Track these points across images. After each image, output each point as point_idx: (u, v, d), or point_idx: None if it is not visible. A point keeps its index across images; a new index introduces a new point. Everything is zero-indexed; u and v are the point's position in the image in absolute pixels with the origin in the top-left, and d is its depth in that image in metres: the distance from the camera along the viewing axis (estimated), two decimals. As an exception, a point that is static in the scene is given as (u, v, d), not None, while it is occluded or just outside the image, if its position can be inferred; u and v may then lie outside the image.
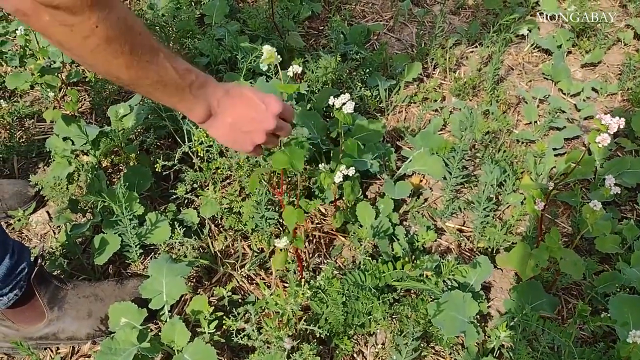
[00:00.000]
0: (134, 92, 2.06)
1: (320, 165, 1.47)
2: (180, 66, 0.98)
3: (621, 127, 1.05)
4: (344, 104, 1.37)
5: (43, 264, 1.44)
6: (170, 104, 1.04)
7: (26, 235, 1.70)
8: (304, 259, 1.57)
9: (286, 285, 1.48)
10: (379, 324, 1.33)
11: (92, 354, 1.42)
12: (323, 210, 1.74)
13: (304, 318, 1.31)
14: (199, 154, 1.69)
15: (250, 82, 1.93)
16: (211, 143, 1.67)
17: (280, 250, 1.54)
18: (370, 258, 1.47)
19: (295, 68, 1.41)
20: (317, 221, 1.70)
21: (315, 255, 1.60)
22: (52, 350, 1.43)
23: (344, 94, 1.37)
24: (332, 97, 1.39)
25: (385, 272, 1.34)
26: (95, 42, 0.83)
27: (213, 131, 1.12)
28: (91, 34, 0.82)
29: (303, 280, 1.27)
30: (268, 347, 1.25)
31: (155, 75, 0.94)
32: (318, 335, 1.34)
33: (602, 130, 1.05)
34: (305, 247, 1.61)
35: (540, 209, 1.26)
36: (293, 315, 1.24)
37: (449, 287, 1.39)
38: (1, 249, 1.27)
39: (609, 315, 1.34)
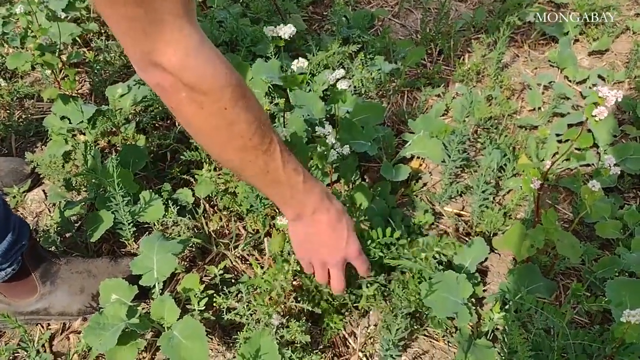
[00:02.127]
0: (132, 74, 2.05)
1: (318, 129, 1.43)
2: (289, 165, 1.00)
3: (619, 100, 1.01)
4: (338, 79, 1.35)
5: (37, 238, 1.44)
6: (268, 195, 1.07)
7: (21, 213, 1.69)
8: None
9: (279, 265, 1.46)
10: (368, 300, 1.31)
11: (82, 331, 1.41)
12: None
13: (293, 296, 1.29)
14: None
15: (250, 64, 1.91)
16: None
17: (278, 232, 1.53)
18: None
19: (300, 62, 1.37)
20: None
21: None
22: (42, 326, 1.42)
23: (339, 69, 1.34)
24: (326, 73, 1.37)
25: (375, 238, 1.31)
26: (218, 121, 0.88)
27: (291, 229, 1.14)
28: (218, 113, 0.87)
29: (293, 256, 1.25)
30: (257, 324, 1.23)
31: (264, 165, 0.97)
32: (306, 311, 1.32)
33: (599, 103, 1.02)
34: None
35: (537, 187, 1.23)
36: (283, 291, 1.23)
37: (443, 267, 1.36)
38: (4, 225, 1.27)
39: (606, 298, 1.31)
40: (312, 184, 1.05)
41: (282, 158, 0.98)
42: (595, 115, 1.01)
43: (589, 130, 1.84)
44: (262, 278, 1.25)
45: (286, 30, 1.27)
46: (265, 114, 0.96)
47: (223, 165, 1.01)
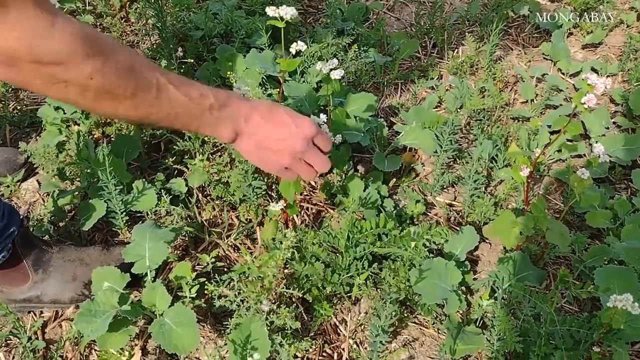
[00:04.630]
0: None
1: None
2: (194, 93, 0.95)
3: (607, 87, 1.02)
4: (332, 69, 1.35)
5: (28, 226, 1.44)
6: (193, 130, 1.01)
7: (15, 203, 1.69)
8: (291, 229, 1.56)
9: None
10: (360, 289, 1.31)
11: (75, 318, 1.41)
12: (312, 183, 1.73)
13: (283, 282, 1.30)
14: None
15: (244, 55, 1.92)
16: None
17: (270, 220, 1.53)
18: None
19: (298, 45, 1.36)
20: (305, 193, 1.69)
21: (303, 226, 1.59)
22: (35, 314, 1.43)
23: (332, 59, 1.34)
24: (319, 63, 1.37)
25: (369, 228, 1.32)
26: (93, 94, 0.82)
27: (241, 148, 1.08)
28: (87, 86, 0.80)
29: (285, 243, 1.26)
30: (247, 311, 1.24)
31: (167, 108, 0.92)
32: (297, 299, 1.33)
33: (588, 90, 1.03)
34: (294, 219, 1.60)
35: (526, 175, 1.23)
36: (274, 278, 1.23)
37: (433, 255, 1.37)
38: None
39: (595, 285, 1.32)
40: (225, 96, 1.00)
41: (184, 93, 0.93)
42: (584, 103, 1.02)
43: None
44: (251, 266, 1.26)
45: (287, 11, 1.26)
46: (142, 60, 0.89)
47: (132, 123, 0.97)
